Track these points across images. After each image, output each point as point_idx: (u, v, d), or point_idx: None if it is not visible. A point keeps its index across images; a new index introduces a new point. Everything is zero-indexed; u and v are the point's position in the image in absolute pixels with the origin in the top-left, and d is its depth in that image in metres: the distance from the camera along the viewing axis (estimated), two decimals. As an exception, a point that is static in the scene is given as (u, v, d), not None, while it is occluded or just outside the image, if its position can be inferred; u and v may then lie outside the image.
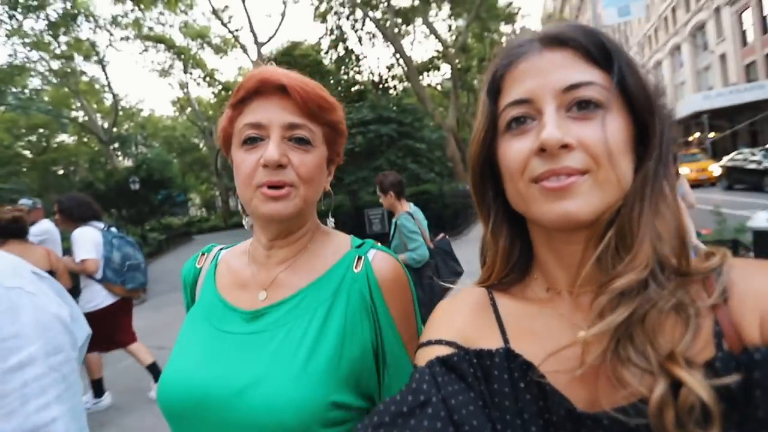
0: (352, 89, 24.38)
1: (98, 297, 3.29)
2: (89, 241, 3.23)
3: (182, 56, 24.90)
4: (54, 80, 23.16)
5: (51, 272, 2.99)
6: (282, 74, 0.67)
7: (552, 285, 0.52)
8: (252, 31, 20.57)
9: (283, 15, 20.24)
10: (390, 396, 0.59)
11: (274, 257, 0.74)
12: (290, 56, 22.46)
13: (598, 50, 0.45)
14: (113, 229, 3.48)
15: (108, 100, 27.25)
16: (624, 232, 0.44)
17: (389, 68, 26.00)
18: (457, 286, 0.63)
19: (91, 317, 3.13)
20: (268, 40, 20.26)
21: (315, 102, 0.68)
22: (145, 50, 24.67)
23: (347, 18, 21.88)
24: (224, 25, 19.32)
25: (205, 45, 25.95)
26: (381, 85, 25.17)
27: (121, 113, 26.69)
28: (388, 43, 20.64)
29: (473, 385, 0.47)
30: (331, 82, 24.47)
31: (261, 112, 0.66)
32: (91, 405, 3.40)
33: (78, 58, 22.61)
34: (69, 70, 22.44)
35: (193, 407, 0.64)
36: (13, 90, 21.66)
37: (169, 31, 24.59)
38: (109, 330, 3.32)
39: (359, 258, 0.71)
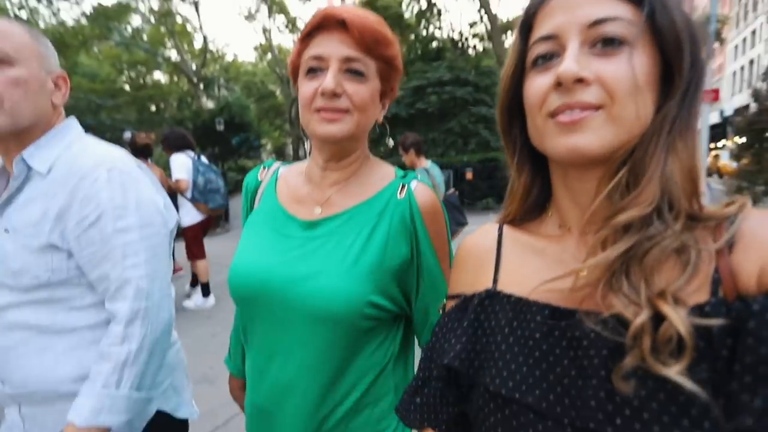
0: (430, 46, 23.60)
1: (188, 215, 4.08)
2: (182, 165, 4.03)
3: (267, 0, 25.38)
4: (152, 20, 24.82)
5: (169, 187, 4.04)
6: (344, 10, 0.71)
7: (564, 222, 0.53)
8: (336, -22, 20.37)
9: (368, -38, 19.70)
10: (421, 299, 0.75)
11: (327, 178, 0.81)
12: (372, 6, 22.14)
13: None
14: (202, 158, 4.23)
15: (198, 42, 28.78)
16: (636, 171, 0.43)
17: (471, 25, 24.68)
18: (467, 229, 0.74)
19: (189, 231, 4.12)
20: (354, -9, 19.95)
21: (372, 37, 0.72)
22: (234, -7, 25.39)
23: (432, -31, 20.85)
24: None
25: (289, -10, 26.20)
26: (460, 44, 24.09)
27: (208, 56, 28.15)
28: (474, -4, 19.52)
29: (466, 330, 0.53)
30: (411, 36, 23.84)
31: (323, 45, 0.72)
32: (201, 302, 4.27)
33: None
34: (165, 10, 23.83)
35: (258, 291, 0.76)
36: (117, 27, 23.68)
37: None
38: (190, 243, 4.14)
39: (403, 186, 0.78)
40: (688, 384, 0.35)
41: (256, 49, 34.66)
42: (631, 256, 0.41)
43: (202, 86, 28.24)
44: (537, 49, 0.47)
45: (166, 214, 0.99)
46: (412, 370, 0.87)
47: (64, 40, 18.90)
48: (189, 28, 28.07)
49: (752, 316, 0.36)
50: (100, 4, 21.69)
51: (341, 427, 0.76)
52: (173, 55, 27.74)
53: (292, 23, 27.26)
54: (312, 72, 0.73)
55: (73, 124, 0.99)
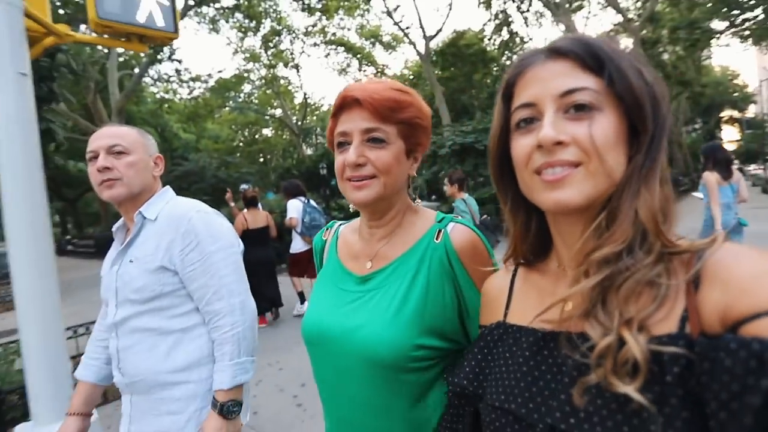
0: (517, 75, 23.24)
1: (298, 245, 5.48)
2: (295, 208, 5.48)
3: (358, 56, 27.64)
4: (259, 84, 28.54)
5: (267, 226, 5.40)
6: (358, 88, 0.79)
7: (560, 262, 0.59)
8: (421, 26, 21.53)
9: (450, 6, 20.51)
10: (474, 333, 0.77)
11: (375, 234, 0.88)
12: (455, 47, 22.80)
13: (592, 59, 0.50)
14: (311, 201, 5.66)
15: (298, 98, 32.19)
16: (612, 214, 0.49)
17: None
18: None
19: (293, 257, 5.58)
20: (436, 34, 20.85)
21: (386, 106, 0.77)
22: (328, 54, 28.21)
23: (513, 0, 20.95)
24: (396, 23, 20.65)
25: (376, 43, 28.26)
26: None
27: (307, 109, 31.22)
28: (557, 21, 19.03)
29: (476, 355, 0.63)
30: (494, 68, 23.87)
31: (346, 122, 0.81)
32: (300, 307, 5.64)
33: (279, 65, 27.31)
34: (271, 76, 27.27)
35: (321, 339, 0.85)
36: (233, 95, 27.73)
37: (347, 35, 27.63)
38: (304, 266, 5.43)
39: (440, 231, 0.82)
40: (636, 396, 0.40)
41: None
42: (607, 287, 0.47)
43: (302, 137, 31.22)
44: (519, 114, 0.54)
45: (236, 237, 1.36)
46: None
47: (197, 111, 22.68)
48: (290, 87, 31.65)
49: (706, 356, 0.39)
50: (221, 78, 25.70)
51: None
52: (278, 112, 31.34)
53: (381, 72, 29.19)
54: (341, 146, 0.82)
55: (169, 189, 1.39)
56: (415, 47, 20.80)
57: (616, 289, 0.46)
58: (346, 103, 0.80)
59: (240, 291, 1.25)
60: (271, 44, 24.08)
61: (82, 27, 11.39)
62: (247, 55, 25.52)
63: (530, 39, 23.54)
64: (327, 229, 1.03)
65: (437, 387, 0.79)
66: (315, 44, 26.92)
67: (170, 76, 22.59)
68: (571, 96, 0.49)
